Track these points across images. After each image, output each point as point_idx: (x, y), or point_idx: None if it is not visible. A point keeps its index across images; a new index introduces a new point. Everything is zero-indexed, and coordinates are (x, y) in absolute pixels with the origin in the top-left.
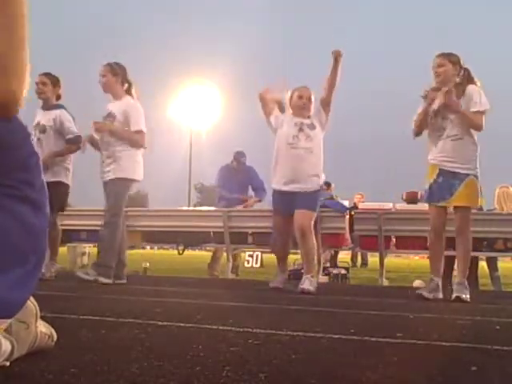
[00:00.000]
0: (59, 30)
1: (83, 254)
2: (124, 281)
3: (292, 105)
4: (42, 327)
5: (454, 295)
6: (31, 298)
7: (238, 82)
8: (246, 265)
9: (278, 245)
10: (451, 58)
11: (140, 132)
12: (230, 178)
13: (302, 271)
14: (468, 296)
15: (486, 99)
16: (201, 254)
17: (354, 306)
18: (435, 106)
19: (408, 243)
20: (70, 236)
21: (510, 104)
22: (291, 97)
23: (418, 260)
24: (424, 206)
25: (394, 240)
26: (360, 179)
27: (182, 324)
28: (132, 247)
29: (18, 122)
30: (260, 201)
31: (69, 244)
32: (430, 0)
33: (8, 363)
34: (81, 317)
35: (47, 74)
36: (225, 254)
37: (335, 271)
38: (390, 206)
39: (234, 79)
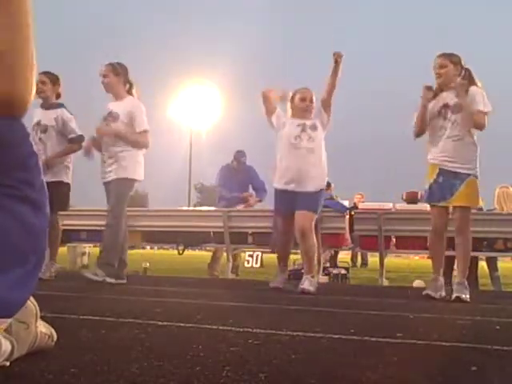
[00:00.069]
0: (59, 30)
1: (83, 253)
2: (124, 281)
3: (294, 107)
4: (42, 327)
5: (454, 295)
6: (31, 298)
7: (238, 82)
8: (246, 265)
9: (278, 245)
10: (452, 59)
11: (145, 132)
12: (230, 178)
13: (302, 271)
14: (468, 296)
15: (488, 101)
16: (201, 254)
17: (354, 306)
18: (437, 106)
19: (408, 243)
20: (70, 236)
21: (510, 104)
22: (293, 98)
23: (418, 260)
24: (424, 206)
25: (394, 240)
26: (360, 179)
27: (181, 324)
28: (132, 247)
29: (17, 121)
30: (260, 201)
31: (69, 244)
32: (430, 0)
33: (8, 363)
34: (81, 317)
35: (46, 73)
36: (225, 254)
37: (335, 271)
38: (390, 205)
39: (234, 79)
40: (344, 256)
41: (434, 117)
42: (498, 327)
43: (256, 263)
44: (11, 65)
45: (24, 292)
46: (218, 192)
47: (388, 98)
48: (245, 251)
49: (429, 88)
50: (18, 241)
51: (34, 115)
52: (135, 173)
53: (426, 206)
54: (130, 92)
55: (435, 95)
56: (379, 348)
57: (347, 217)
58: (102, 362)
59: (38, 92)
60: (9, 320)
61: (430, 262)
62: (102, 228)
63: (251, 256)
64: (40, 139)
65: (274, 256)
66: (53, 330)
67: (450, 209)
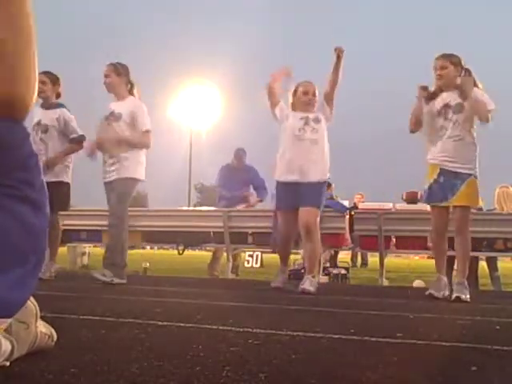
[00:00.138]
0: (58, 30)
1: (83, 253)
2: (124, 281)
3: (297, 100)
4: (42, 327)
5: (454, 295)
6: (31, 298)
7: (238, 82)
8: (246, 265)
9: (279, 244)
10: (452, 60)
11: (147, 132)
12: (230, 178)
13: (303, 271)
14: (468, 296)
15: (491, 100)
16: (201, 254)
17: (354, 306)
18: (438, 106)
19: (408, 243)
20: (70, 236)
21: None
22: (295, 92)
23: (418, 260)
24: (424, 206)
25: (394, 240)
26: (360, 179)
27: (181, 324)
28: (132, 247)
29: (18, 122)
30: (261, 200)
31: (69, 244)
32: (430, 0)
33: (8, 363)
34: (81, 317)
35: (46, 73)
36: (225, 254)
37: (335, 271)
38: (390, 205)
39: (234, 79)
40: (344, 256)
41: (434, 116)
42: (498, 327)
43: (256, 263)
44: (13, 66)
45: (24, 292)
46: (218, 192)
47: (388, 97)
48: (245, 251)
49: (424, 88)
50: (17, 241)
51: (34, 115)
52: (137, 173)
53: (426, 206)
54: (131, 92)
55: (435, 95)
56: (379, 348)
57: (347, 217)
58: (102, 362)
59: (38, 92)
60: (9, 320)
61: (429, 262)
62: (104, 228)
63: (251, 256)
64: (41, 139)
65: (274, 256)
66: (53, 330)
67: (451, 209)
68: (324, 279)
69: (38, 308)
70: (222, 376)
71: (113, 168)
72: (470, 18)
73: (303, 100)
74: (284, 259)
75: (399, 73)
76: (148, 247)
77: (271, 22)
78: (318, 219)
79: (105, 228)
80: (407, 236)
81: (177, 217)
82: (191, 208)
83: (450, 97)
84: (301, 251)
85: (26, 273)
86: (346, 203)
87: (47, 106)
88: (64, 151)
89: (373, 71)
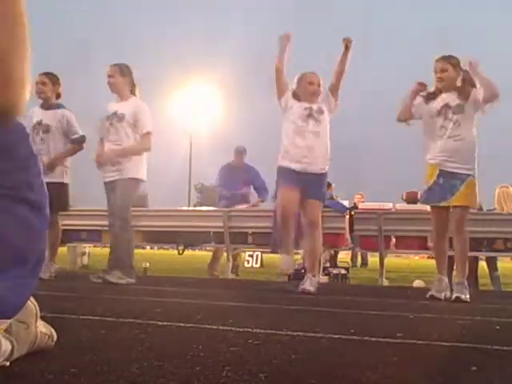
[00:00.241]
0: (58, 30)
1: (83, 253)
2: (133, 280)
3: (302, 90)
4: (42, 327)
5: (453, 295)
6: (31, 298)
7: (238, 82)
8: (246, 265)
9: (279, 223)
10: (452, 61)
11: (148, 134)
12: (230, 177)
13: (303, 271)
14: (468, 296)
15: None
16: (201, 254)
17: (354, 306)
18: (437, 106)
19: (408, 243)
20: (70, 236)
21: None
22: (300, 82)
23: (418, 260)
24: (424, 206)
25: (394, 240)
26: (360, 179)
27: (182, 324)
28: (137, 246)
29: (16, 122)
30: (263, 201)
31: (69, 244)
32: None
33: (8, 363)
34: (81, 317)
35: (47, 74)
36: (225, 254)
37: (335, 271)
38: (390, 205)
39: (234, 79)
40: (344, 256)
41: (433, 116)
42: (498, 327)
43: (256, 263)
44: (5, 66)
45: (24, 292)
46: (218, 192)
47: (388, 97)
48: (245, 251)
49: (421, 84)
50: (17, 242)
51: (34, 115)
52: (139, 173)
53: (426, 206)
54: (133, 92)
55: (435, 96)
56: (379, 348)
57: (347, 217)
58: (102, 362)
59: (39, 93)
60: (9, 320)
61: (429, 262)
62: (104, 228)
63: (251, 256)
64: (42, 139)
65: (274, 256)
66: (53, 330)
67: (451, 209)
68: (324, 279)
69: (37, 308)
70: (222, 376)
71: (114, 168)
72: (471, 18)
73: (309, 90)
74: (286, 239)
75: (399, 73)
76: (148, 247)
77: (271, 21)
78: (321, 213)
79: (105, 228)
80: (407, 236)
81: (177, 217)
82: (191, 208)
83: (449, 97)
84: (301, 251)
85: (26, 273)
86: (346, 203)
87: (47, 106)
88: (65, 152)
89: (373, 71)
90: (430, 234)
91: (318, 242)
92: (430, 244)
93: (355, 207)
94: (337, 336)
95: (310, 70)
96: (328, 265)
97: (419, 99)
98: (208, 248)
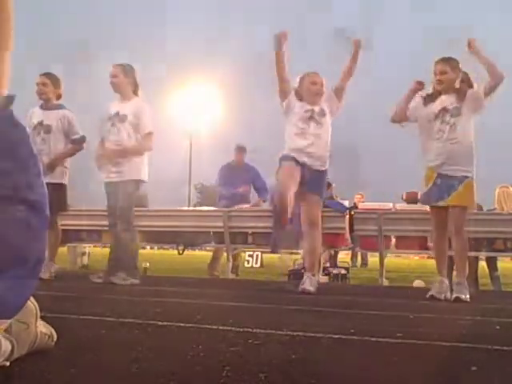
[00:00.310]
0: (57, 30)
1: (83, 253)
2: (138, 281)
3: (305, 90)
4: (42, 327)
5: (453, 295)
6: (31, 298)
7: (238, 82)
8: (245, 265)
9: (278, 197)
10: (451, 63)
11: (149, 134)
12: (230, 176)
13: (303, 271)
14: (468, 296)
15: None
16: (201, 254)
17: (354, 306)
18: (435, 109)
19: (408, 243)
20: (70, 236)
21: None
22: (302, 81)
23: (418, 260)
24: (424, 206)
25: (394, 240)
26: (360, 179)
27: (181, 324)
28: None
29: (16, 123)
30: (264, 201)
31: (69, 244)
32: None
33: (8, 363)
34: (81, 317)
35: (47, 74)
36: (225, 254)
37: (335, 271)
38: (390, 205)
39: (234, 79)
40: (344, 256)
41: (431, 120)
42: (498, 327)
43: (256, 263)
44: None
45: (24, 292)
46: (218, 192)
47: (388, 97)
48: (245, 251)
49: (420, 83)
50: (17, 242)
51: (34, 116)
52: (140, 173)
53: (426, 206)
54: (135, 93)
55: (434, 98)
56: (379, 348)
57: (347, 217)
58: (102, 362)
59: (40, 93)
60: (9, 320)
61: (429, 262)
62: (104, 228)
63: (251, 256)
64: (43, 139)
65: (274, 256)
66: (53, 330)
67: (450, 209)
68: (324, 279)
69: (37, 308)
70: (222, 376)
71: (115, 169)
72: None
73: (312, 90)
74: (284, 213)
75: (400, 73)
76: (148, 247)
77: (271, 21)
78: (320, 211)
79: (105, 228)
80: (407, 236)
81: (177, 217)
82: (191, 208)
83: (447, 100)
84: (301, 251)
85: (26, 273)
86: (346, 203)
87: (48, 107)
88: (66, 152)
89: (373, 71)
90: (430, 234)
91: (317, 242)
92: (430, 244)
93: (355, 207)
94: (337, 336)
95: (311, 70)
96: (328, 265)
97: (416, 101)
98: (208, 248)
